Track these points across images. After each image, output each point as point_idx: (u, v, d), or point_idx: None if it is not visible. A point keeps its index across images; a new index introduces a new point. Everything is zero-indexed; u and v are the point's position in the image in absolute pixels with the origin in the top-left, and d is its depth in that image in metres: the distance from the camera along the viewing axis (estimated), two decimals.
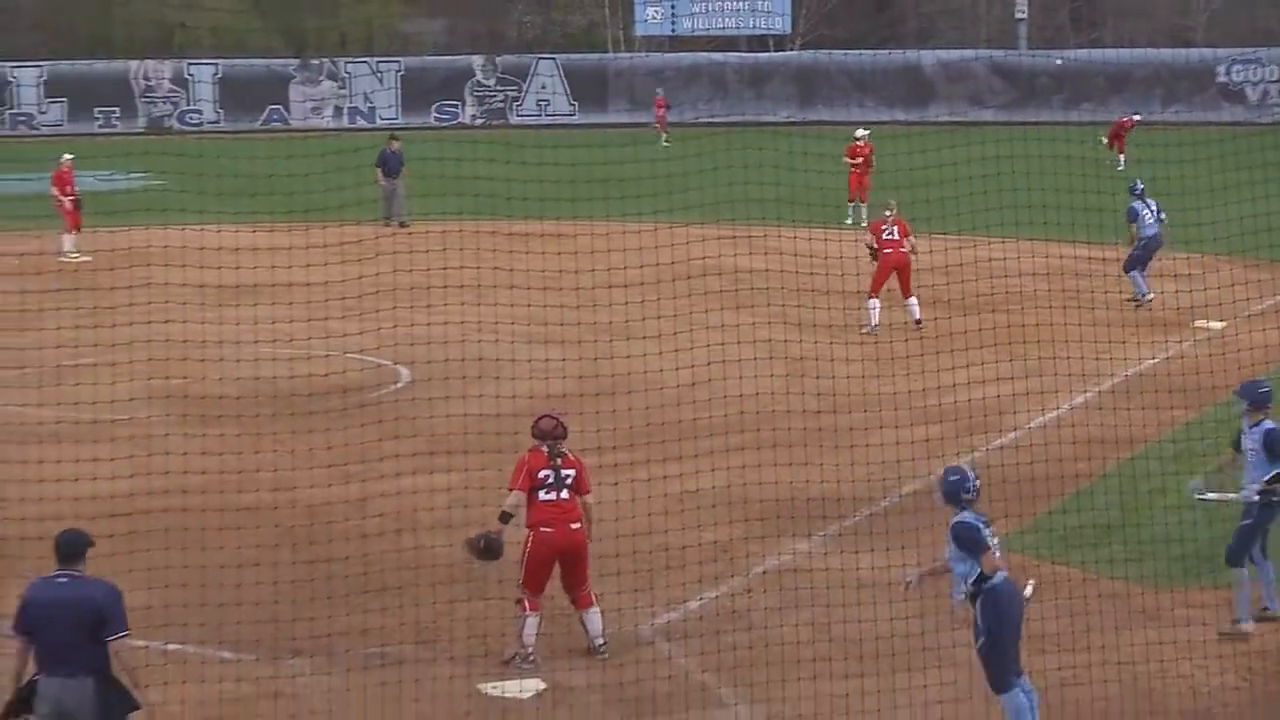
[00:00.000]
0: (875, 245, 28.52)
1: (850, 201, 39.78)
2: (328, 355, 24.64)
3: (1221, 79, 69.02)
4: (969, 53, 73.13)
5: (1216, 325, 28.16)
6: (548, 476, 15.04)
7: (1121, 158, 50.06)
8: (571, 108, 70.50)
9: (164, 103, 68.58)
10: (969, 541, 12.75)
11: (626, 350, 25.23)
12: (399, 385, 25.07)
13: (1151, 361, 26.08)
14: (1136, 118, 53.95)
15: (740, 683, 14.59)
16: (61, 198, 36.69)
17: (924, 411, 22.40)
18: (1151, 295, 30.23)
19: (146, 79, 68.66)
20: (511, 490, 15.09)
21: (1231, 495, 15.32)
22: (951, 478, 13.10)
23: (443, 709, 13.80)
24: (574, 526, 15.06)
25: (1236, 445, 15.76)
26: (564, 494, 15.03)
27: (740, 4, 73.67)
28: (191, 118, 68.20)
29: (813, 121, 64.01)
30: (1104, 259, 33.06)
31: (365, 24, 79.76)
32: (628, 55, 74.31)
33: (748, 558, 17.67)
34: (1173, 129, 56.53)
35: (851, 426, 21.46)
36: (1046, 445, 19.98)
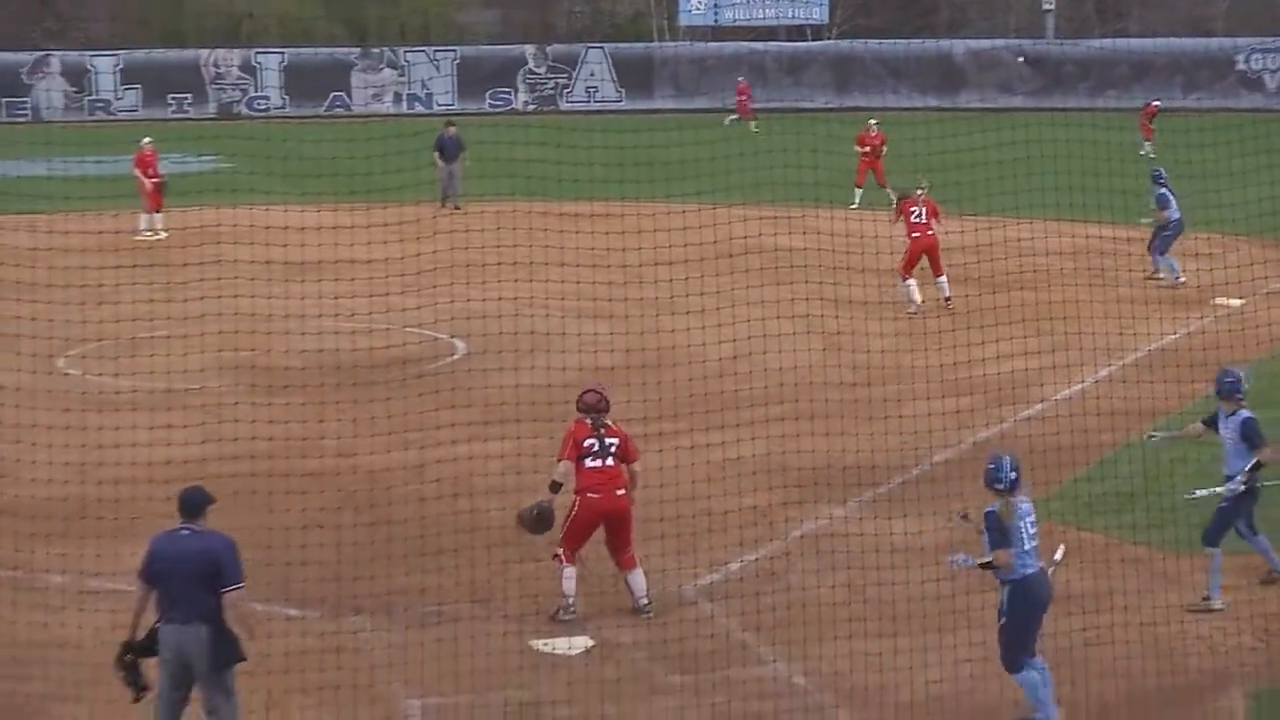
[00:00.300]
0: (904, 229, 28.24)
1: (858, 187, 39.53)
2: (388, 329, 24.70)
3: (1241, 67, 68.44)
4: (999, 42, 72.69)
5: (1235, 302, 27.96)
6: (593, 445, 15.13)
7: (1148, 144, 49.48)
8: (619, 94, 70.36)
9: (233, 89, 68.70)
10: (991, 532, 12.68)
11: (671, 325, 25.21)
12: (455, 357, 25.10)
13: (1173, 337, 25.91)
14: (1157, 104, 53.47)
15: (778, 641, 14.58)
16: (143, 179, 36.76)
17: (954, 384, 22.31)
18: (1184, 278, 29.95)
19: (216, 67, 68.80)
20: (560, 460, 15.18)
21: (1219, 489, 15.25)
22: (988, 465, 12.98)
23: (496, 664, 13.82)
24: (619, 493, 15.14)
25: (1210, 424, 15.65)
26: (609, 461, 15.12)
27: None
28: (259, 103, 68.30)
29: (849, 108, 63.73)
30: (1128, 239, 32.85)
31: (423, 14, 79.73)
32: (672, 45, 74.10)
33: (786, 522, 17.65)
34: (1194, 115, 56.13)
35: (885, 398, 21.39)
36: (1072, 416, 19.89)
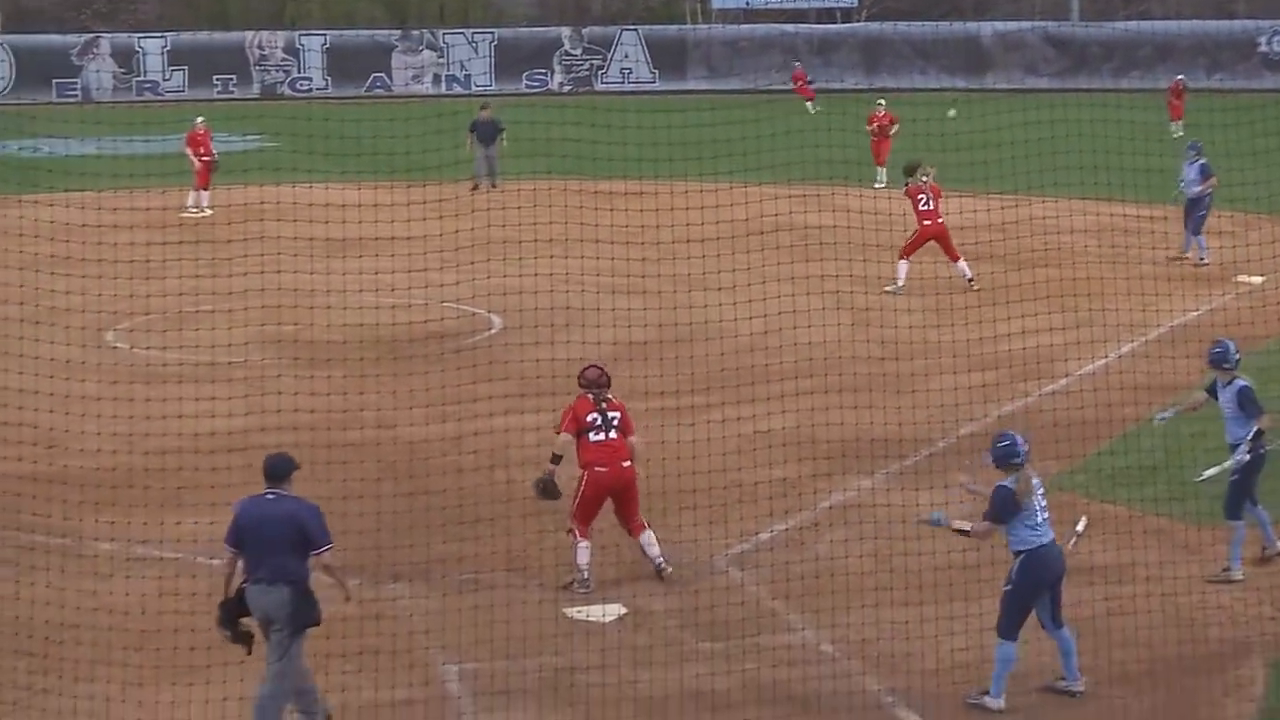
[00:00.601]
0: (914, 214, 27.97)
1: (879, 166, 39.35)
2: (426, 304, 24.68)
3: (1263, 49, 67.89)
4: (1025, 24, 72.25)
5: (1257, 280, 27.76)
6: (595, 419, 15.17)
7: (1176, 123, 48.62)
8: (652, 76, 70.19)
9: (276, 70, 68.75)
10: (997, 508, 12.64)
11: (703, 300, 25.14)
12: (492, 332, 25.09)
13: (1195, 313, 25.75)
14: (1182, 78, 52.92)
15: (807, 609, 14.55)
16: (194, 158, 36.77)
17: (980, 359, 22.22)
18: (1208, 260, 29.69)
19: (260, 49, 68.85)
20: (560, 434, 15.24)
21: (1225, 464, 15.16)
22: (1001, 444, 12.92)
23: (531, 631, 13.83)
24: (625, 465, 15.19)
25: (1211, 392, 15.58)
26: (612, 434, 15.17)
27: None
28: (301, 84, 68.34)
29: (877, 89, 63.43)
30: (1150, 217, 32.64)
31: None
32: (705, 27, 73.85)
33: (815, 493, 17.61)
34: (1217, 96, 55.75)
35: (912, 372, 21.32)
36: (1095, 391, 19.81)
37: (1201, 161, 29.85)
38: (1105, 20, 72.60)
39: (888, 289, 27.35)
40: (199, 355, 22.02)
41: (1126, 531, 15.82)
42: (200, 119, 37.84)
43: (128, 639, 13.58)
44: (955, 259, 28.04)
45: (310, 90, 67.58)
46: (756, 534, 16.39)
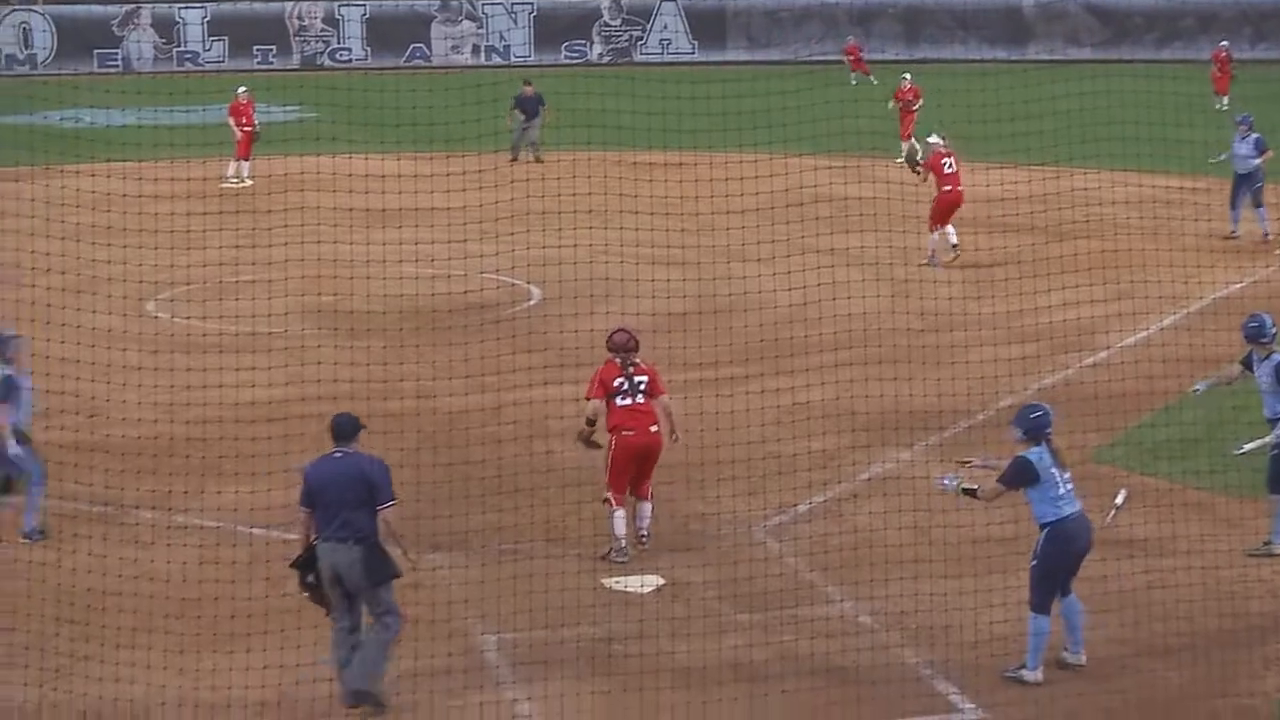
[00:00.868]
0: (935, 182, 27.69)
1: (905, 140, 39.15)
2: (465, 275, 24.72)
3: None
4: None
5: None
6: (622, 384, 15.20)
7: (1222, 98, 47.69)
8: (692, 46, 69.99)
9: (316, 41, 68.81)
10: (1010, 475, 12.61)
11: (741, 272, 25.14)
12: (531, 303, 25.11)
13: (1237, 286, 25.59)
14: (1224, 44, 52.33)
15: (845, 581, 14.55)
16: (236, 128, 36.82)
17: (1020, 331, 22.16)
18: (1239, 232, 29.44)
19: (300, 19, 68.89)
20: (589, 400, 15.32)
21: (1266, 439, 15.07)
22: (1035, 414, 12.87)
23: (569, 601, 13.85)
24: (653, 429, 15.23)
25: (1247, 365, 15.48)
26: (639, 399, 15.21)
27: None
28: (341, 55, 68.37)
29: (918, 60, 63.14)
30: (1193, 189, 32.44)
31: None
32: None
33: (853, 465, 17.59)
34: (1261, 66, 55.32)
35: (952, 344, 21.26)
36: (1136, 363, 19.71)
37: (1255, 135, 29.45)
38: None
39: (924, 262, 27.16)
40: (239, 325, 22.10)
41: (1167, 504, 15.76)
42: (243, 89, 37.89)
43: (169, 607, 13.68)
44: (947, 224, 27.61)
45: (350, 61, 67.58)
46: (795, 506, 16.38)
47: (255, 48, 67.59)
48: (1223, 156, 30.12)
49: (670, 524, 15.78)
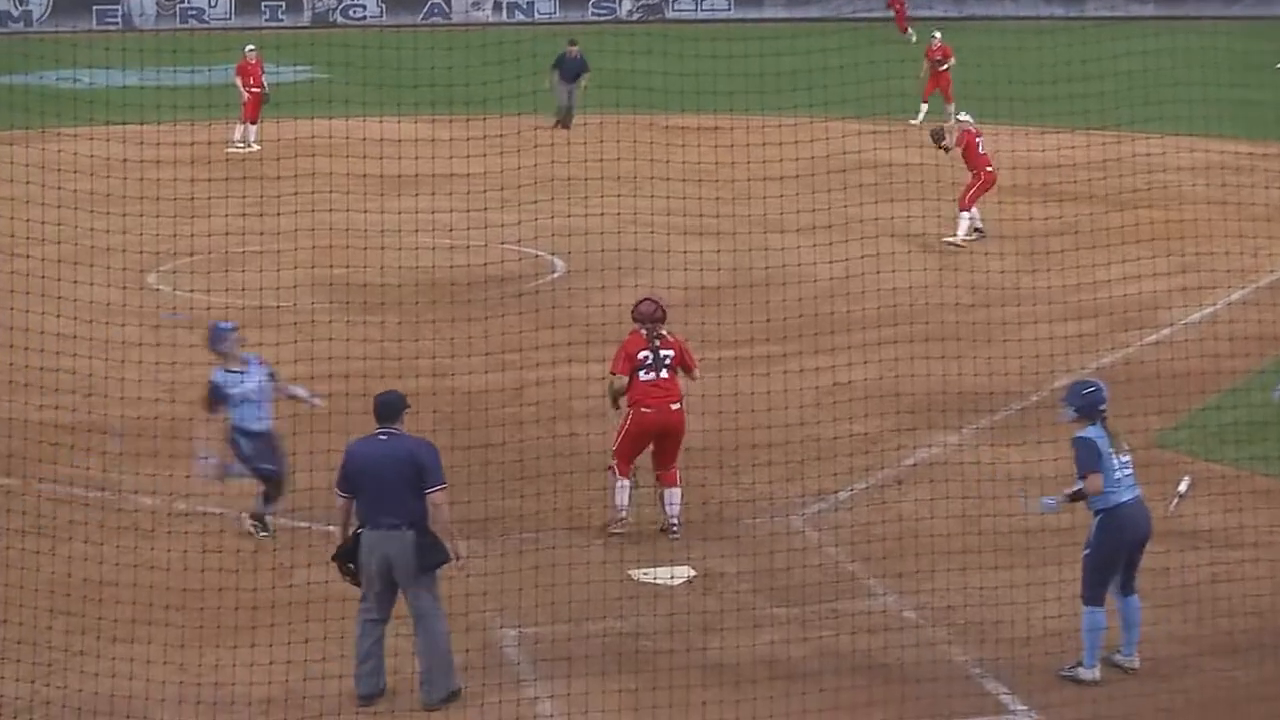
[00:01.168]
0: (958, 150, 27.53)
1: (924, 101, 38.92)
2: (485, 246, 24.70)
3: None
4: None
5: None
6: (646, 357, 15.26)
7: None
8: (728, 3, 69.82)
9: None
10: (1084, 457, 12.52)
11: (779, 243, 25.06)
12: (554, 276, 25.08)
13: None
14: None
15: (889, 573, 14.51)
16: (243, 89, 36.84)
17: (1076, 306, 22.04)
18: None
19: None
20: (613, 375, 15.41)
21: None
22: (1088, 390, 12.81)
23: (594, 593, 13.84)
24: (674, 407, 15.28)
25: None
26: (663, 374, 15.28)
27: None
28: (355, 12, 68.36)
29: (966, 16, 62.88)
30: (1264, 154, 32.24)
31: None
32: None
33: (898, 450, 17.53)
34: None
35: (1004, 321, 21.16)
36: (1201, 341, 19.63)
37: None
38: None
39: (960, 242, 26.85)
40: (245, 299, 22.09)
41: (1233, 492, 15.67)
42: (251, 47, 37.90)
43: (169, 598, 13.71)
44: (965, 209, 27.47)
45: (364, 18, 67.56)
46: (835, 493, 16.33)
47: (264, 4, 67.62)
48: None
49: (702, 511, 15.74)
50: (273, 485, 15.29)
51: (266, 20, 66.88)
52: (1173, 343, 20.63)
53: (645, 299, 15.66)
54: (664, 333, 15.43)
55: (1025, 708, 12.42)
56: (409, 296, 22.84)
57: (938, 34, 40.87)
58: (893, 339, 19.72)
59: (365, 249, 24.67)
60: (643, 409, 15.24)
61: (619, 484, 15.32)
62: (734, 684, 12.61)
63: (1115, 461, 12.58)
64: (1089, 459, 12.55)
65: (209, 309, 22.73)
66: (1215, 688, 12.69)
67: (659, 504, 15.47)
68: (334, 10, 68.57)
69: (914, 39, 53.38)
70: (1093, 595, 12.62)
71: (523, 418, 18.19)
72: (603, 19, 67.52)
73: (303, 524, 15.46)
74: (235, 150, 35.80)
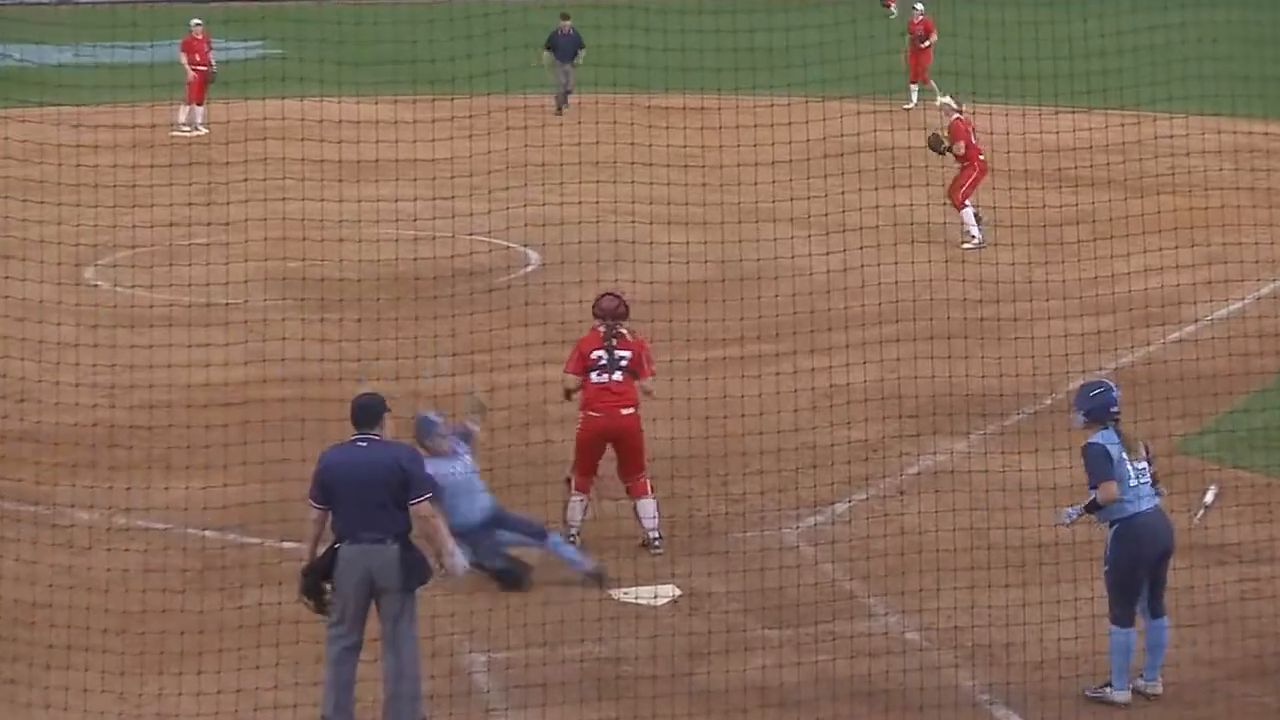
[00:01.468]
0: (963, 149, 27.50)
1: (912, 83, 38.98)
2: (452, 237, 24.68)
3: None
4: None
5: None
6: (600, 358, 15.37)
7: None
8: None
9: None
10: (1095, 465, 12.53)
11: (771, 233, 25.04)
12: (527, 269, 25.08)
13: None
14: None
15: (890, 592, 14.52)
16: (188, 67, 36.82)
17: (1093, 302, 22.10)
18: None
19: None
20: (565, 374, 15.57)
21: None
22: (1097, 391, 12.84)
23: (571, 615, 13.83)
24: (625, 411, 15.33)
25: None
26: (616, 376, 15.33)
27: None
28: None
29: None
30: None
31: None
32: None
33: (900, 458, 17.54)
34: None
35: (1015, 317, 21.17)
36: (1229, 339, 19.67)
37: None
38: None
39: (966, 245, 26.87)
40: (191, 295, 22.08)
41: (1263, 502, 15.72)
42: (196, 22, 37.91)
43: (108, 621, 13.66)
44: (962, 206, 27.45)
45: None
46: (832, 504, 16.34)
47: None
48: None
49: (688, 526, 15.74)
50: (512, 582, 14.71)
51: None
52: (1197, 341, 20.68)
53: (608, 293, 15.76)
54: (624, 331, 15.46)
55: None
56: (369, 292, 22.85)
57: (919, 5, 40.91)
58: (894, 337, 19.73)
59: (322, 241, 24.62)
60: (591, 413, 15.33)
61: (573, 499, 15.41)
62: (723, 712, 12.62)
63: (1130, 469, 12.58)
64: (1099, 467, 12.57)
65: (151, 306, 22.72)
66: (1244, 714, 12.72)
67: (635, 518, 15.47)
68: None
69: (894, 13, 53.49)
70: (1119, 614, 12.64)
71: (493, 423, 18.16)
72: None
73: (253, 540, 15.44)
74: (180, 133, 35.79)
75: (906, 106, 36.71)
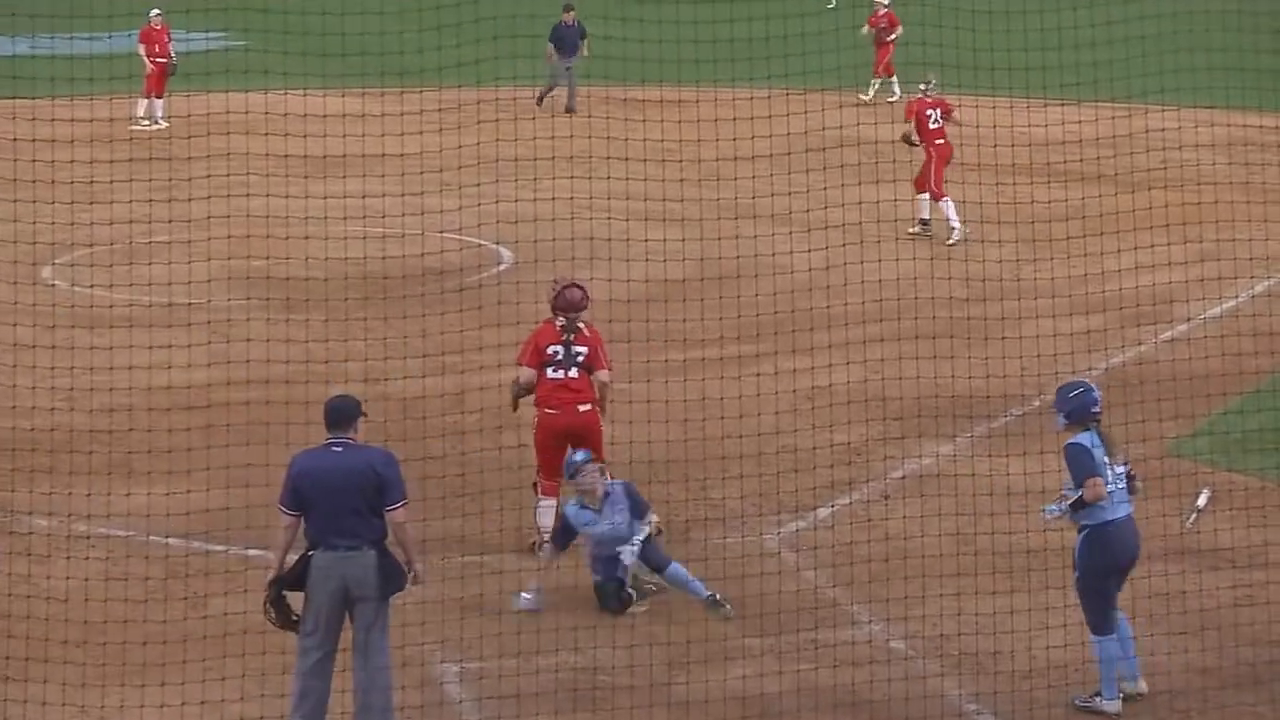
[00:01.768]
0: (918, 136, 27.56)
1: (875, 76, 39.03)
2: (422, 235, 24.71)
3: None
4: None
5: None
6: (556, 353, 15.39)
7: None
8: None
9: None
10: (1078, 464, 12.60)
11: (751, 230, 25.13)
12: (500, 268, 25.10)
13: None
14: None
15: (874, 599, 14.57)
16: (147, 59, 36.78)
17: (1083, 300, 22.17)
18: None
19: None
20: (520, 366, 15.53)
21: None
22: (1075, 391, 12.92)
23: (546, 624, 13.88)
24: (583, 408, 15.36)
25: None
26: (572, 372, 15.35)
27: None
28: None
29: None
30: None
31: None
32: None
33: (884, 461, 17.60)
34: None
35: (1002, 316, 21.26)
36: (1222, 338, 19.73)
37: None
38: None
39: (949, 243, 26.88)
40: (153, 295, 22.11)
41: (1258, 506, 15.79)
42: (156, 11, 37.85)
43: (68, 631, 13.69)
44: (924, 191, 27.46)
45: None
46: (815, 509, 16.40)
47: None
48: None
49: (666, 531, 15.78)
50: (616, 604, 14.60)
51: None
52: (1190, 340, 20.75)
53: (571, 284, 15.66)
54: (580, 326, 15.47)
55: None
56: (337, 292, 22.86)
57: None
58: (878, 337, 19.79)
59: (287, 239, 24.63)
60: (547, 410, 15.35)
61: (540, 503, 15.41)
62: None
63: (1109, 472, 12.65)
64: (1082, 465, 12.64)
65: (111, 307, 22.72)
66: None
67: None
68: None
69: (833, 4, 53.49)
70: (1096, 623, 12.72)
71: (465, 427, 18.21)
72: None
73: (217, 547, 15.46)
74: (140, 128, 35.73)
75: (863, 97, 36.74)
